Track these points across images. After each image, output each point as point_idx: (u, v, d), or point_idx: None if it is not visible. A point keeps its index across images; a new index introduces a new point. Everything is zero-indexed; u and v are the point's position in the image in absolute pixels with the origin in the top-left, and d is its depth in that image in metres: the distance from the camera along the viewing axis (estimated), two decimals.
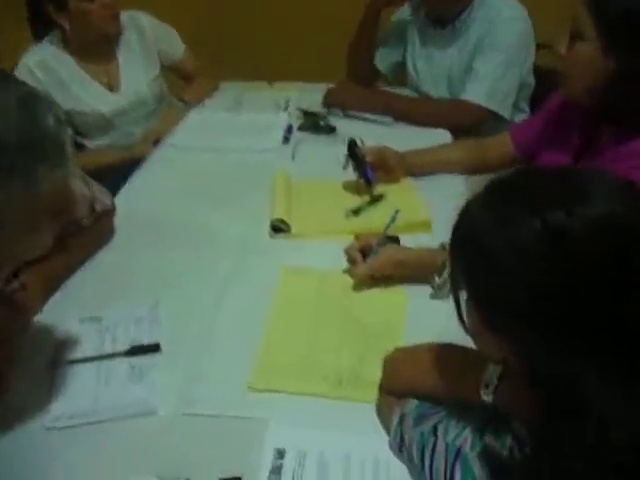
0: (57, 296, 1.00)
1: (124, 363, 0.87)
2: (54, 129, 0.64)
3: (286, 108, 1.79)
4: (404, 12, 1.87)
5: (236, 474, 0.69)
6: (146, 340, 0.90)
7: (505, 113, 1.70)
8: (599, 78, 0.97)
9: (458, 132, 1.67)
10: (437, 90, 1.84)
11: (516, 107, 1.80)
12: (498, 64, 1.66)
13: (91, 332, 0.92)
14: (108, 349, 0.89)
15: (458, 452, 0.61)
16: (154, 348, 0.89)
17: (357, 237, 1.12)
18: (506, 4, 1.70)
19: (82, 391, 0.82)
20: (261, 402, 0.80)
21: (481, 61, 1.67)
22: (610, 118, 1.00)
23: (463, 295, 0.60)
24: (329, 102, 1.75)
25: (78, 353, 0.88)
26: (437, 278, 0.99)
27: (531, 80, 1.80)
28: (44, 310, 0.95)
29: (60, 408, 0.79)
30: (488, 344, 0.59)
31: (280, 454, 0.72)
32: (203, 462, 0.71)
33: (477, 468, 0.58)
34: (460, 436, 0.62)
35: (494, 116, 1.68)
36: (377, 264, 1.02)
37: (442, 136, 1.62)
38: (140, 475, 0.70)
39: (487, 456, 0.58)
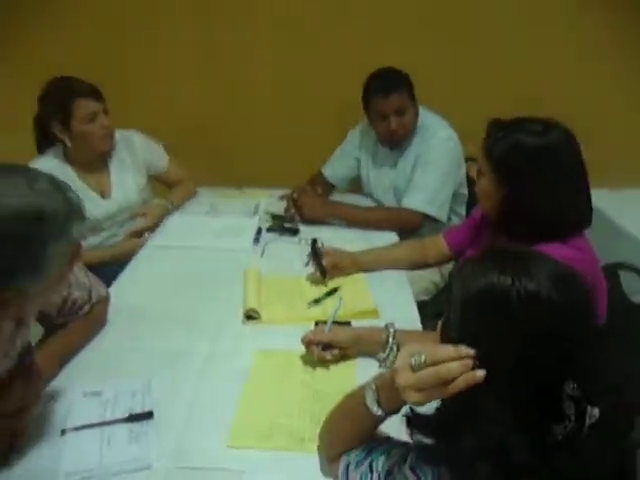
0: (62, 374, 1.18)
1: (123, 428, 1.04)
2: (75, 200, 0.91)
3: (256, 212, 2.07)
4: (355, 138, 2.23)
5: None
6: (140, 409, 1.08)
7: (442, 218, 2.01)
8: (495, 202, 1.28)
9: (403, 231, 1.96)
10: (386, 198, 2.16)
11: (453, 212, 2.12)
12: (435, 178, 1.98)
13: (93, 404, 1.10)
14: (109, 417, 1.06)
15: (389, 474, 0.80)
16: (148, 415, 1.07)
17: (317, 323, 1.35)
18: (440, 127, 2.06)
19: (88, 452, 0.99)
20: (240, 456, 0.98)
21: (420, 175, 2.00)
22: (503, 230, 1.29)
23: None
24: (289, 215, 1.99)
25: (83, 421, 1.05)
26: (382, 353, 1.22)
27: (464, 190, 2.14)
28: (53, 385, 1.12)
29: (70, 467, 0.96)
30: None
31: None
32: None
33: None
34: (389, 459, 0.82)
35: (432, 219, 1.99)
36: (336, 336, 1.23)
37: (389, 235, 1.91)
38: None
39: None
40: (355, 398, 0.90)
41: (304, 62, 2.59)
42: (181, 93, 2.68)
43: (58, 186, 0.88)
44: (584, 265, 1.14)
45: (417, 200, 1.98)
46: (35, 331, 1.19)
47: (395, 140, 2.04)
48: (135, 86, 2.60)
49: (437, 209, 1.99)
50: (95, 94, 1.83)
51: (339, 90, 2.47)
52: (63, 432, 1.03)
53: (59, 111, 1.79)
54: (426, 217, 1.98)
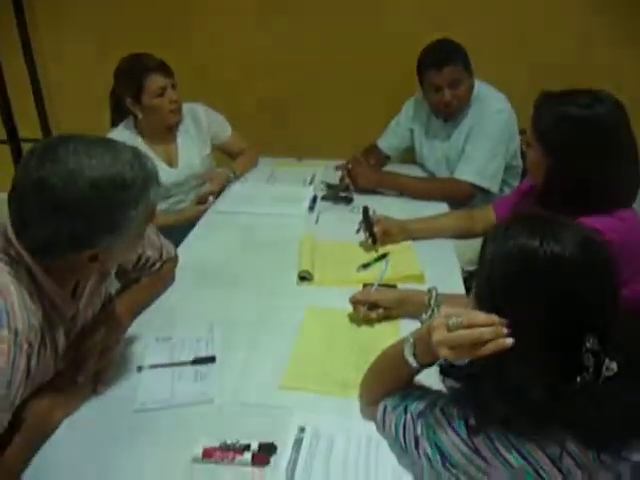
0: (137, 321, 1.34)
1: (189, 369, 1.19)
2: (152, 168, 1.02)
3: (312, 182, 2.17)
4: (409, 109, 2.26)
5: (271, 441, 0.99)
6: (204, 353, 1.22)
7: (493, 189, 2.03)
8: (542, 172, 1.31)
9: (454, 202, 2.01)
10: (438, 169, 2.20)
11: (506, 184, 2.14)
12: (486, 149, 2.01)
13: (165, 347, 1.25)
14: (177, 359, 1.21)
15: (421, 415, 0.90)
16: (211, 359, 1.21)
17: (364, 285, 1.44)
18: (494, 99, 2.07)
19: (160, 385, 1.14)
20: (289, 396, 1.11)
21: (472, 146, 2.03)
22: (548, 200, 1.32)
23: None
24: (343, 184, 2.06)
25: (156, 361, 1.21)
26: (424, 314, 1.30)
27: (518, 162, 2.15)
28: (130, 331, 1.28)
29: (145, 396, 1.11)
30: None
31: (302, 430, 1.02)
32: (248, 434, 1.01)
33: (435, 418, 0.86)
34: (422, 402, 0.91)
35: (484, 190, 2.03)
36: (381, 296, 1.32)
37: (439, 206, 1.96)
38: (206, 439, 1.00)
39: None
40: (395, 350, 1.00)
41: (361, 35, 2.63)
42: (245, 70, 2.78)
43: (138, 156, 1.00)
44: (625, 234, 1.17)
45: (468, 171, 2.02)
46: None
47: (449, 112, 2.07)
48: (200, 62, 2.73)
49: (488, 180, 2.02)
50: (164, 70, 1.96)
51: (395, 63, 2.50)
52: (139, 369, 1.19)
53: (131, 86, 1.94)
54: (477, 188, 2.02)
